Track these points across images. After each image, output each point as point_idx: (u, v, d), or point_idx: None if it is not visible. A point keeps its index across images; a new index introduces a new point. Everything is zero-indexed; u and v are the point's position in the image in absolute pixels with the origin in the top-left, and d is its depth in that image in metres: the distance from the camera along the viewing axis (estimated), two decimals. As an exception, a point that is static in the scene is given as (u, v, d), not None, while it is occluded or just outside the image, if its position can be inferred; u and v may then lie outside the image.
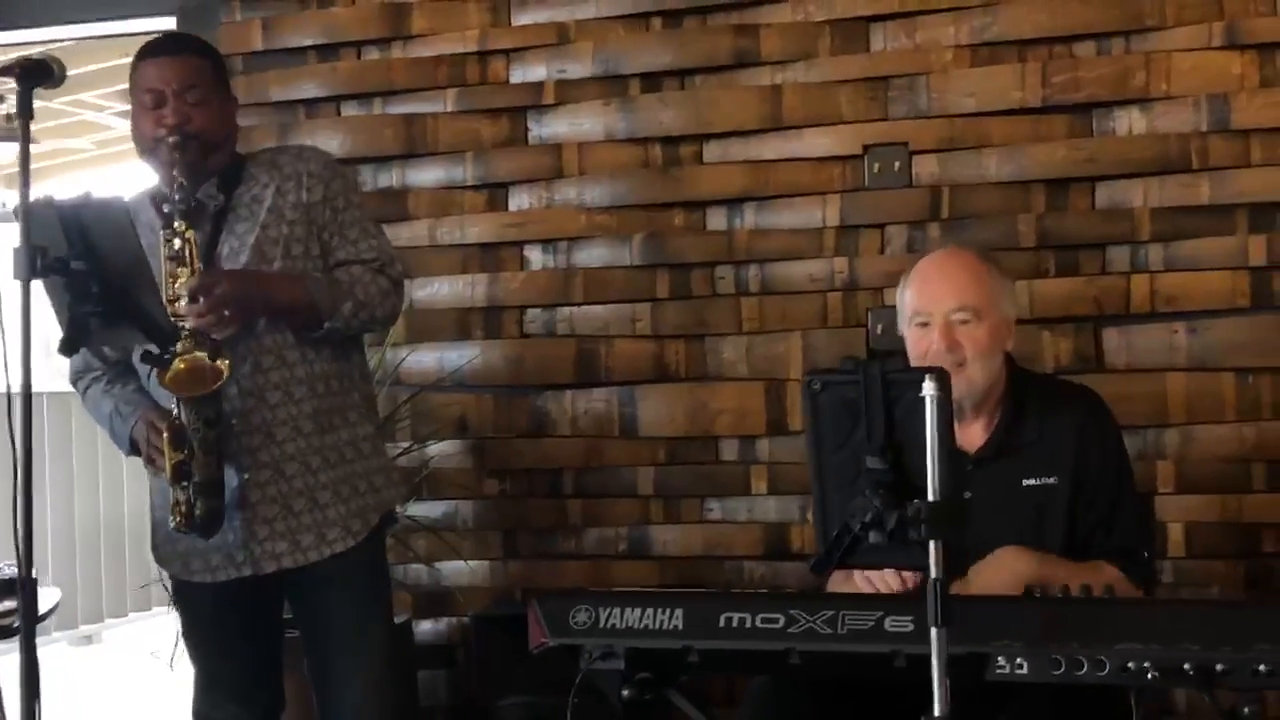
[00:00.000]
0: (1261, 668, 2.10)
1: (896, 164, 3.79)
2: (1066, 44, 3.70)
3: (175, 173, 2.83)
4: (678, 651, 2.34)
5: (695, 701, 2.52)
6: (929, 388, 2.09)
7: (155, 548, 3.05)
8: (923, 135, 3.77)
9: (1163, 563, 3.59)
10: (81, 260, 2.47)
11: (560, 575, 4.02)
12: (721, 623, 2.33)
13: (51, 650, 7.31)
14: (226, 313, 2.77)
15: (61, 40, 4.73)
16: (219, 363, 2.78)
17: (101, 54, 7.27)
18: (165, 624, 6.43)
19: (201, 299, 2.74)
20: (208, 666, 3.05)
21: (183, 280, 2.77)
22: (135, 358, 2.99)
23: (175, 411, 2.82)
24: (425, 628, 4.14)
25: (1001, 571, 2.53)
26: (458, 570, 4.09)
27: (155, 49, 2.98)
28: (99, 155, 9.82)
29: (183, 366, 2.77)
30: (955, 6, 3.76)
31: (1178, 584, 3.60)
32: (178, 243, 2.79)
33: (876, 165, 3.81)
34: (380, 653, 3.03)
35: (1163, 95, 3.62)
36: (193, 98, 2.90)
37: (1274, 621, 2.14)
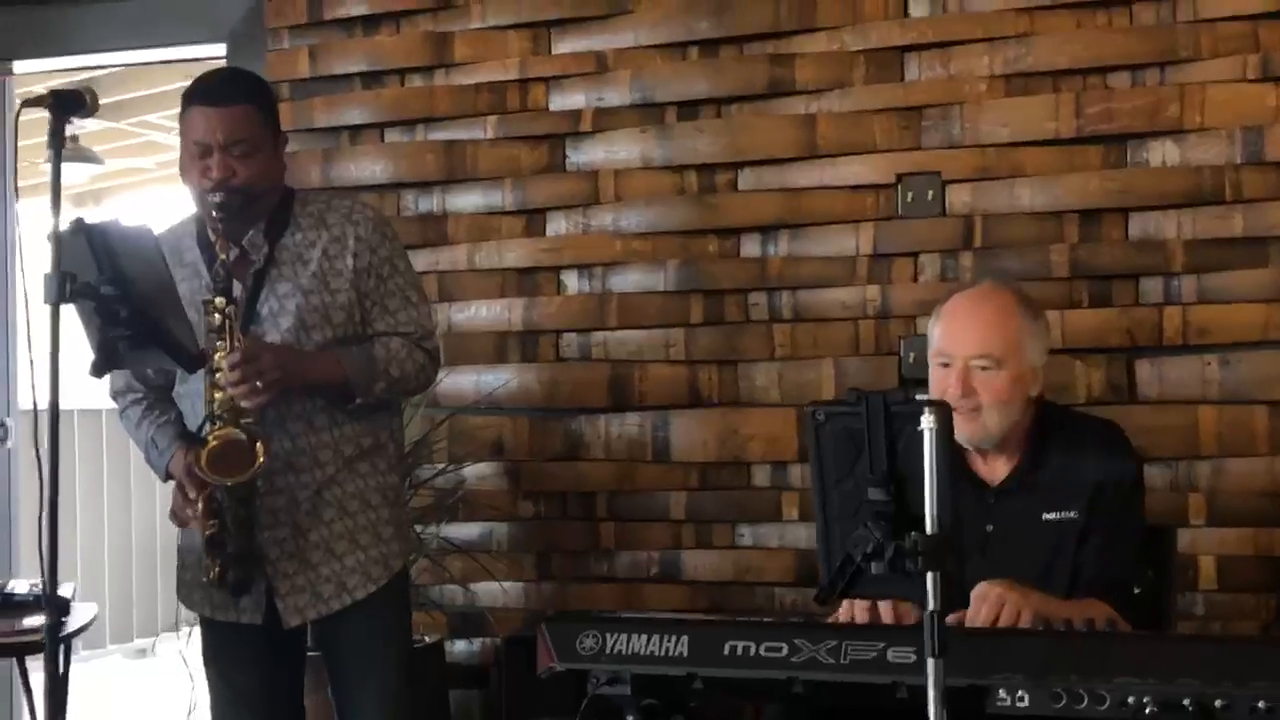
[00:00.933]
0: (1261, 704, 2.10)
1: (930, 193, 3.80)
2: (1100, 75, 3.69)
3: (216, 244, 2.86)
4: (682, 678, 2.37)
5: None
6: (928, 421, 2.12)
7: (180, 584, 3.11)
8: (956, 165, 3.78)
9: (1194, 595, 3.57)
10: (110, 285, 2.53)
11: (592, 598, 4.06)
12: (726, 650, 2.36)
13: (106, 663, 7.44)
14: (260, 384, 2.81)
15: (112, 66, 4.84)
16: (257, 447, 2.83)
17: (166, 76, 7.42)
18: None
19: (241, 369, 2.79)
20: (227, 695, 3.10)
21: (221, 354, 2.82)
22: (177, 383, 3.06)
23: (210, 486, 2.86)
24: (459, 648, 4.19)
25: (978, 604, 2.52)
26: (491, 591, 4.13)
27: (205, 94, 2.96)
28: (164, 175, 10.01)
29: (216, 444, 2.83)
30: (989, 37, 3.76)
31: (1208, 617, 3.58)
32: (218, 318, 2.83)
33: (910, 194, 3.82)
34: (397, 684, 3.07)
35: (1197, 127, 3.61)
36: (239, 151, 2.91)
37: (1274, 659, 2.14)
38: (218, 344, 2.83)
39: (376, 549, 3.04)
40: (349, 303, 3.01)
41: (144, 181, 10.07)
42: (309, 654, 3.19)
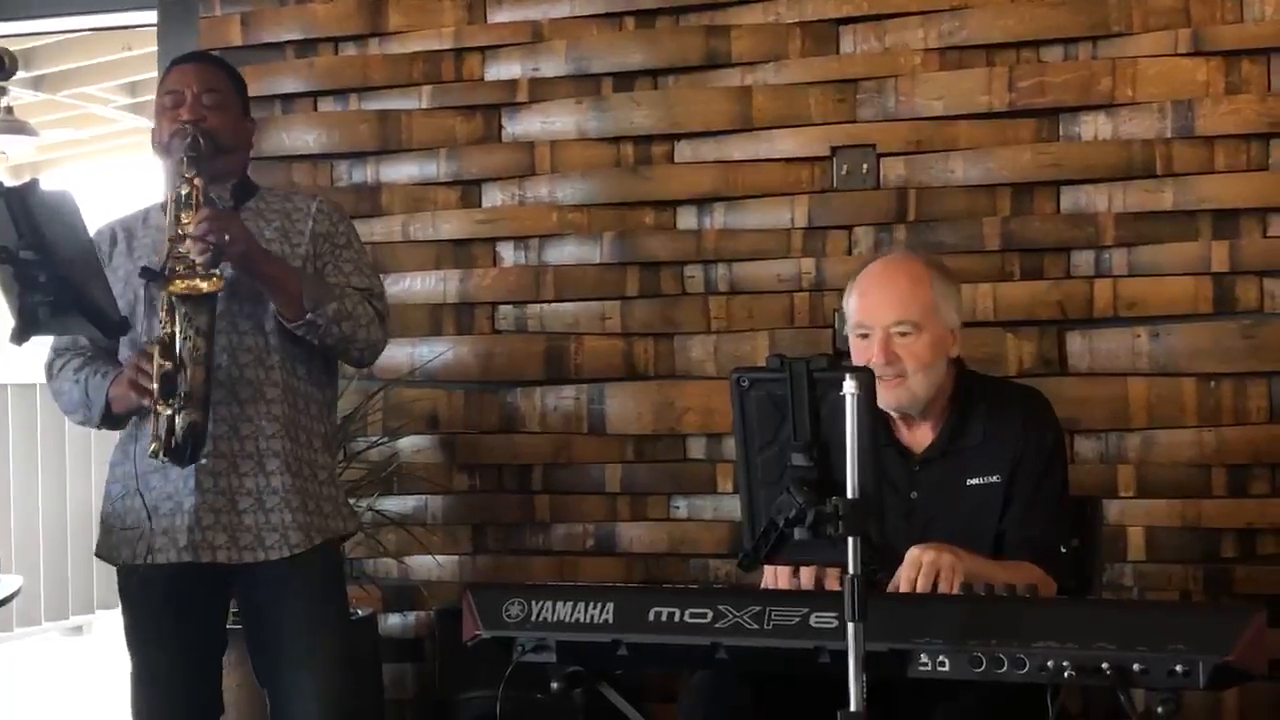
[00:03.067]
0: (1178, 668, 2.12)
1: (864, 166, 3.81)
2: (1034, 48, 3.71)
3: (188, 127, 2.94)
4: (607, 645, 2.37)
5: (632, 698, 2.56)
6: (850, 386, 2.12)
7: (101, 542, 3.08)
8: (890, 138, 3.79)
9: (1122, 566, 3.61)
10: (30, 250, 2.50)
11: (527, 571, 4.05)
12: (651, 617, 2.36)
13: (42, 640, 7.37)
14: (228, 237, 2.82)
15: (42, 33, 4.78)
16: (213, 278, 2.82)
17: (103, 47, 7.33)
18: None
19: (212, 222, 2.81)
20: (146, 658, 3.06)
21: (188, 221, 2.84)
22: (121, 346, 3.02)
23: (164, 324, 2.83)
24: (393, 621, 4.17)
25: (912, 568, 2.53)
26: (426, 565, 4.11)
27: (182, 58, 3.19)
28: (104, 149, 9.90)
29: (181, 284, 2.81)
30: (924, 10, 3.77)
31: (1137, 588, 3.61)
32: (185, 189, 2.88)
33: (844, 167, 3.82)
34: (334, 665, 3.04)
35: (1128, 101, 3.63)
36: (210, 100, 3.04)
37: (1191, 622, 2.16)
38: (184, 216, 2.86)
39: (302, 516, 2.99)
40: (308, 255, 3.05)
41: (83, 154, 9.96)
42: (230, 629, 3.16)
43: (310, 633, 3.03)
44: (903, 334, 2.78)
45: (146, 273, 2.85)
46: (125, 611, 3.11)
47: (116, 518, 3.03)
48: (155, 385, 2.81)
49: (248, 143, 3.18)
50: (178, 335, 2.82)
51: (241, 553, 2.96)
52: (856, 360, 2.81)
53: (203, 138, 2.94)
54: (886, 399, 2.73)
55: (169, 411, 2.80)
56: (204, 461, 2.92)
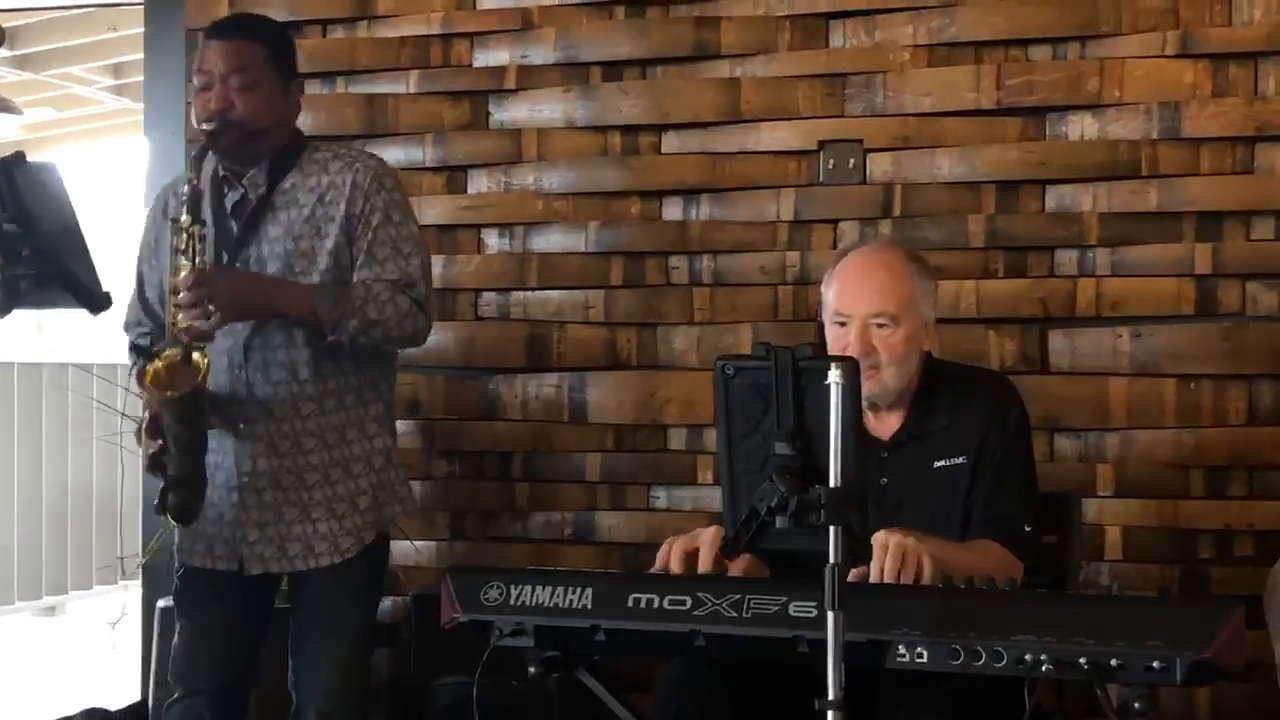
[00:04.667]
0: (1155, 663, 2.13)
1: (851, 160, 3.81)
2: (1022, 47, 3.71)
3: (188, 172, 2.89)
4: (585, 630, 2.37)
5: (608, 688, 2.55)
6: (835, 376, 2.12)
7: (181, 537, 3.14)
8: (877, 133, 3.79)
9: (1099, 565, 3.61)
10: (13, 222, 2.48)
11: (506, 558, 4.04)
12: (630, 603, 2.36)
13: (14, 620, 7.34)
14: (211, 307, 2.80)
15: (29, 9, 4.75)
16: (195, 359, 2.82)
17: (88, 27, 7.29)
18: (129, 598, 6.46)
19: (193, 291, 2.79)
20: (190, 629, 3.11)
21: (184, 274, 2.82)
22: None
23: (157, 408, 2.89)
24: (370, 606, 4.15)
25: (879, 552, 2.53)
26: (403, 550, 4.09)
27: (212, 30, 3.09)
28: (86, 130, 9.84)
29: (160, 365, 2.85)
30: (914, 6, 3.77)
31: (1114, 587, 3.60)
32: (183, 237, 2.84)
33: (831, 161, 3.83)
34: (352, 648, 3.10)
35: (1115, 101, 3.64)
36: (238, 82, 2.96)
37: (1168, 618, 2.17)
38: (182, 263, 2.83)
39: (351, 519, 3.04)
40: (336, 247, 3.01)
41: (67, 136, 9.90)
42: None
43: (339, 612, 3.08)
44: (880, 325, 2.79)
45: (136, 349, 2.96)
46: (181, 573, 3.14)
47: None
48: (145, 460, 2.91)
49: (290, 114, 3.09)
50: (166, 425, 2.87)
51: (293, 561, 3.03)
52: (833, 347, 2.82)
53: (230, 129, 2.92)
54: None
55: (163, 485, 2.88)
56: (245, 480, 2.99)
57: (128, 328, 3.20)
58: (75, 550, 7.52)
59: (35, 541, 7.37)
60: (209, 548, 3.05)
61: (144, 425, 2.92)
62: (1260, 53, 3.56)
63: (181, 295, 2.81)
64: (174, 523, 2.96)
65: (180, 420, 2.85)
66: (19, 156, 2.53)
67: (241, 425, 2.98)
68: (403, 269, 3.03)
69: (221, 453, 3.02)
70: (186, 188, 2.86)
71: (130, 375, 3.06)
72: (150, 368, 2.85)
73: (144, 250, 3.18)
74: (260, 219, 3.02)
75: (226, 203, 3.04)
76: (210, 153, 2.95)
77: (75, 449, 7.46)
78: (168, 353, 2.85)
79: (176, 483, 2.88)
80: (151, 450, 2.89)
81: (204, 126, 2.92)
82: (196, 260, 2.83)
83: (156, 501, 2.91)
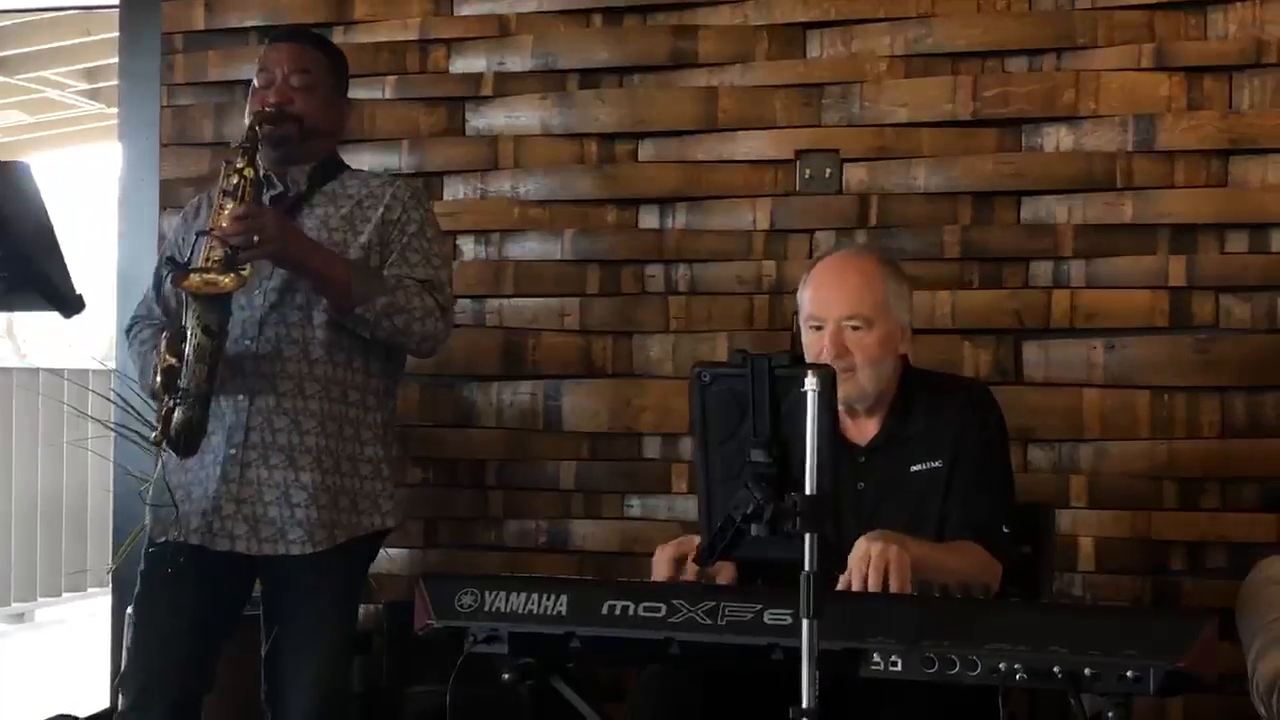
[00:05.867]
0: (1129, 673, 2.13)
1: (827, 170, 3.82)
2: (999, 59, 3.72)
3: (251, 120, 2.95)
4: (560, 637, 2.36)
5: (581, 696, 2.54)
6: (811, 383, 2.12)
7: (151, 516, 3.09)
8: (854, 143, 3.80)
9: (1072, 576, 3.62)
10: (-15, 223, 2.46)
11: (479, 566, 4.03)
12: (604, 610, 2.36)
13: (-17, 627, 7.28)
14: (257, 238, 2.80)
15: (6, 12, 4.72)
16: (231, 276, 2.81)
17: (64, 31, 7.26)
18: (100, 605, 6.41)
19: (243, 221, 2.80)
20: (152, 621, 3.04)
21: (229, 211, 2.83)
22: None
23: (183, 318, 2.87)
24: (342, 613, 4.13)
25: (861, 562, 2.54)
26: (377, 557, 4.07)
27: (279, 34, 3.22)
28: (58, 135, 9.79)
29: (198, 279, 2.82)
30: (891, 17, 3.78)
31: (1087, 597, 3.63)
32: (235, 179, 2.88)
33: (808, 171, 3.83)
34: (331, 660, 3.06)
35: (1090, 113, 3.65)
36: (299, 81, 3.04)
37: (1143, 628, 2.17)
38: (229, 205, 2.84)
39: (330, 513, 3.00)
40: (369, 243, 3.04)
41: (38, 141, 9.85)
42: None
43: (316, 625, 3.04)
44: (854, 328, 2.81)
45: (170, 263, 2.88)
46: (142, 580, 3.09)
47: (156, 494, 3.06)
48: (158, 378, 2.85)
49: (339, 125, 3.19)
50: (187, 330, 2.85)
51: (261, 544, 2.97)
52: (808, 351, 2.85)
53: (288, 121, 2.97)
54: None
55: (171, 403, 2.84)
56: (233, 452, 2.94)
57: (134, 323, 3.17)
58: (45, 556, 7.46)
59: (4, 547, 7.31)
60: (185, 520, 2.99)
61: (164, 342, 2.87)
62: (1235, 66, 3.57)
63: (227, 224, 2.81)
64: (171, 450, 2.89)
65: (205, 329, 2.83)
66: (-9, 157, 2.51)
67: (241, 396, 2.96)
68: (432, 274, 3.07)
69: (214, 424, 2.96)
70: (248, 135, 2.92)
71: (166, 280, 2.96)
72: (186, 278, 2.83)
73: (170, 250, 3.13)
74: (297, 212, 3.05)
75: (264, 198, 3.04)
76: (243, 149, 2.94)
77: (46, 455, 7.41)
78: (209, 274, 2.81)
79: (187, 396, 2.83)
80: (166, 365, 2.84)
81: (265, 113, 2.97)
82: (243, 201, 2.86)
83: (156, 430, 2.86)
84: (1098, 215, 3.65)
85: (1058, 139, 3.69)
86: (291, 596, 3.04)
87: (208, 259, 2.85)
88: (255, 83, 3.08)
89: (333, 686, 3.05)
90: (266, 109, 2.99)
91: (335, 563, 3.03)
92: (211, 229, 2.86)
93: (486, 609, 2.39)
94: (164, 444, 2.89)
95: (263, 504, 2.97)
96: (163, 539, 3.03)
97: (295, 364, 2.99)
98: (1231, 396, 3.57)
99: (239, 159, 2.90)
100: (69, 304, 2.63)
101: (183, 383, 2.84)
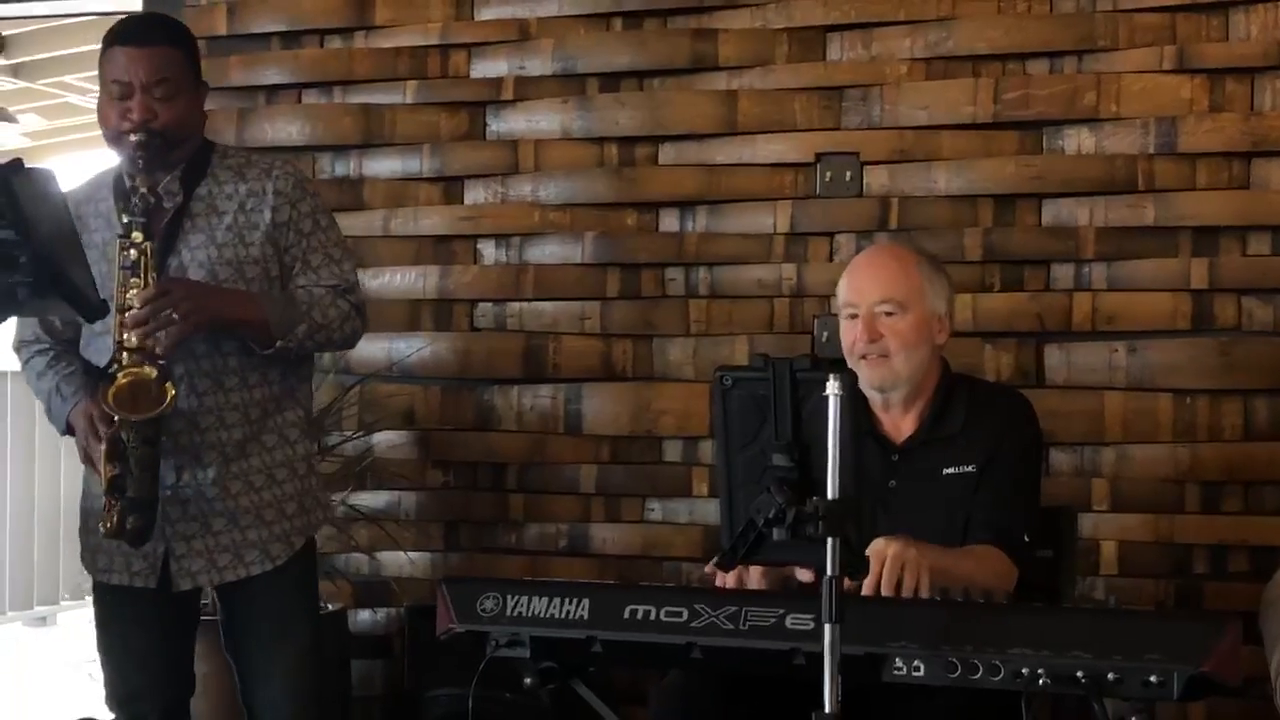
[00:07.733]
0: (1152, 678, 2.12)
1: (848, 173, 3.81)
2: (1020, 61, 3.72)
3: (136, 182, 2.81)
4: (582, 641, 2.36)
5: (601, 700, 2.55)
6: (833, 386, 2.12)
7: (84, 547, 3.04)
8: (874, 146, 3.79)
9: (1094, 580, 3.61)
10: (10, 229, 2.47)
11: (500, 569, 4.03)
12: (626, 614, 2.36)
13: (6, 631, 7.31)
14: (175, 316, 2.74)
15: (26, 17, 4.74)
16: (165, 386, 2.77)
17: (83, 36, 7.29)
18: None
19: (154, 304, 2.74)
20: (119, 668, 3.04)
21: (134, 291, 2.77)
22: (83, 337, 3.00)
23: (115, 422, 2.79)
24: (363, 617, 4.15)
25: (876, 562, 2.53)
26: (398, 561, 4.10)
27: (127, 35, 2.91)
28: (83, 139, 9.83)
29: (124, 381, 2.78)
30: (911, 20, 3.78)
31: (1111, 601, 3.60)
32: (133, 253, 2.78)
33: (828, 174, 3.83)
34: (302, 664, 3.03)
35: (1112, 116, 3.64)
36: (160, 92, 2.86)
37: (1165, 632, 2.17)
38: (131, 280, 2.78)
39: (280, 525, 2.99)
40: (263, 256, 2.95)
41: (64, 145, 9.88)
42: (203, 619, 3.15)
43: (282, 628, 3.02)
44: (888, 313, 2.82)
45: (92, 371, 2.84)
46: (97, 591, 3.07)
47: (93, 528, 2.95)
48: (103, 483, 2.80)
49: (201, 118, 3.00)
50: (125, 443, 2.78)
51: (222, 572, 2.95)
52: (844, 340, 2.86)
53: (154, 138, 2.83)
54: (869, 377, 2.78)
55: (120, 505, 2.80)
56: (168, 493, 2.89)
57: (23, 345, 3.06)
58: (67, 560, 7.48)
59: (27, 551, 7.33)
60: (126, 564, 2.93)
61: (103, 450, 2.78)
62: (1257, 68, 3.56)
63: (140, 311, 2.74)
64: (127, 545, 2.85)
65: (145, 440, 2.79)
66: (17, 164, 2.51)
67: (164, 439, 2.86)
68: (339, 274, 3.00)
69: None
70: (136, 199, 2.78)
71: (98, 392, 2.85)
72: (114, 386, 2.76)
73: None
74: (179, 228, 2.93)
75: (137, 210, 2.88)
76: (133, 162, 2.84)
77: (69, 456, 7.42)
78: (133, 370, 2.77)
79: (137, 504, 2.80)
80: (111, 474, 2.79)
81: (131, 137, 2.82)
82: (148, 277, 2.77)
83: (110, 524, 2.80)
84: (1119, 218, 3.64)
85: (1079, 141, 3.68)
86: (258, 610, 3.01)
87: (122, 345, 2.78)
88: (110, 90, 2.87)
89: (305, 679, 3.04)
90: (135, 137, 2.82)
91: (290, 566, 3.02)
92: (122, 310, 2.76)
93: (509, 613, 2.39)
94: (115, 538, 2.83)
95: (212, 535, 2.92)
96: (110, 583, 2.97)
97: (211, 397, 2.92)
98: (1254, 399, 3.55)
99: (134, 231, 2.77)
100: (92, 308, 2.63)
101: (130, 492, 2.79)
